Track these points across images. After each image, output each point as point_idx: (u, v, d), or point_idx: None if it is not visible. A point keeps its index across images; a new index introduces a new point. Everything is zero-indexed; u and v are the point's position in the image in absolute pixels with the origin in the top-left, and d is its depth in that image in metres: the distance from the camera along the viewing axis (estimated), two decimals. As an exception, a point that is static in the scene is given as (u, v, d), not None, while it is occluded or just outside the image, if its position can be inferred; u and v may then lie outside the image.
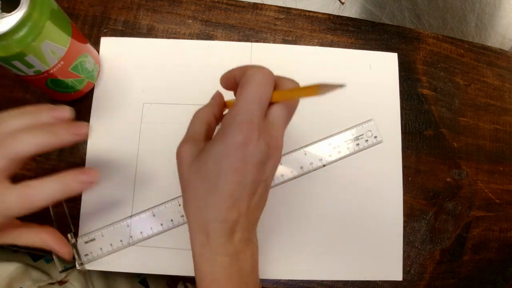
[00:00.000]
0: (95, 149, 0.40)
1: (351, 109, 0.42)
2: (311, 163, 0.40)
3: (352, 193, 0.40)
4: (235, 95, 0.30)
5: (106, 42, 0.43)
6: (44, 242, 0.32)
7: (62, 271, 0.37)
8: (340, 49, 0.44)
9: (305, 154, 0.40)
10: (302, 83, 0.43)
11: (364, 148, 0.41)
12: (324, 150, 0.41)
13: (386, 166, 0.41)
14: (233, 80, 0.29)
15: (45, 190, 0.29)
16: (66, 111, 0.31)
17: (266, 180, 0.28)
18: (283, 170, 0.40)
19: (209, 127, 0.30)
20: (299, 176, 0.40)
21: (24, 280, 0.37)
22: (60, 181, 0.29)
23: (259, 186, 0.27)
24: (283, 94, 0.28)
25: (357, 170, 0.41)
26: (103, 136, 0.40)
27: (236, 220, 0.27)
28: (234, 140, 0.25)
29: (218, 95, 0.32)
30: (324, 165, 0.40)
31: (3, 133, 0.29)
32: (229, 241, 0.27)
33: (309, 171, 0.40)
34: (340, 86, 0.24)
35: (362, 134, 0.41)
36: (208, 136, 0.30)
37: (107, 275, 0.43)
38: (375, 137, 0.41)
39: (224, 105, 0.32)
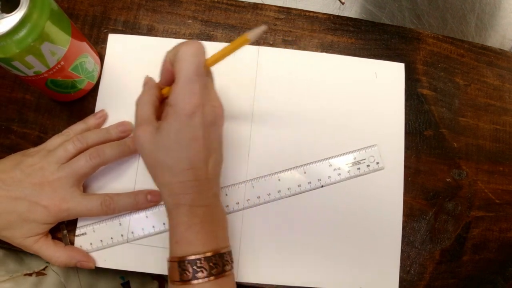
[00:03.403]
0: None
1: (354, 123, 0.42)
2: (310, 183, 0.40)
3: (350, 199, 0.40)
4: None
5: (113, 39, 0.43)
6: (72, 257, 0.36)
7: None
8: (346, 56, 0.43)
9: (305, 172, 0.40)
10: (309, 89, 0.43)
11: (365, 173, 0.40)
12: (324, 171, 0.40)
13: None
14: (169, 66, 0.31)
15: (121, 202, 0.37)
16: (129, 125, 0.40)
17: (219, 137, 0.32)
18: (280, 187, 0.40)
19: (155, 108, 0.33)
20: (296, 194, 0.40)
21: (0, 270, 0.38)
22: (133, 197, 0.37)
23: (217, 144, 0.32)
24: (217, 56, 0.31)
25: (357, 180, 0.41)
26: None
27: (207, 177, 0.31)
28: (185, 112, 0.29)
29: (149, 79, 0.35)
30: (322, 186, 0.40)
31: (87, 146, 0.36)
32: (205, 194, 0.31)
33: (307, 190, 0.40)
34: (264, 27, 0.29)
35: (364, 159, 0.40)
36: (157, 116, 0.33)
37: (94, 274, 0.43)
38: (377, 163, 0.41)
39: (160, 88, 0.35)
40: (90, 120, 0.39)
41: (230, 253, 0.32)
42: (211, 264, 0.30)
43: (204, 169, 0.31)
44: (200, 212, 0.31)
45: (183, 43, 0.30)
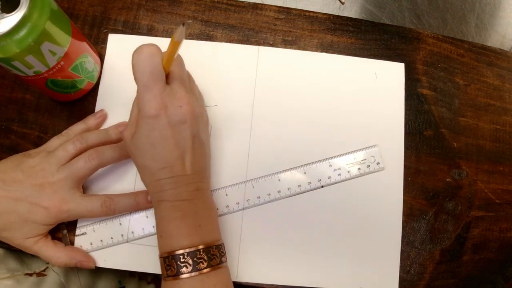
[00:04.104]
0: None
1: (354, 124, 0.42)
2: (310, 183, 0.40)
3: (350, 200, 0.41)
4: None
5: (113, 39, 0.43)
6: (72, 258, 0.36)
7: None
8: (346, 56, 0.43)
9: (305, 172, 0.40)
10: (309, 89, 0.44)
11: (366, 174, 0.40)
12: (324, 171, 0.40)
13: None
14: None
15: (121, 203, 0.37)
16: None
17: (195, 135, 0.32)
18: (280, 187, 0.40)
19: None
20: (296, 194, 0.40)
21: (1, 267, 0.38)
22: (133, 198, 0.37)
23: (191, 141, 0.32)
24: (166, 59, 0.31)
25: (357, 180, 0.41)
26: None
27: (185, 173, 0.32)
28: (149, 115, 0.30)
29: None
30: (322, 186, 0.40)
31: (87, 146, 0.36)
32: (185, 189, 0.32)
33: (307, 191, 0.40)
34: (183, 24, 0.28)
35: (365, 159, 0.40)
36: None
37: (94, 274, 0.43)
38: (378, 163, 0.41)
39: None
40: (90, 120, 0.39)
41: (219, 246, 0.32)
42: (195, 258, 0.30)
43: (180, 166, 0.31)
44: (182, 207, 0.32)
45: (135, 49, 0.30)
